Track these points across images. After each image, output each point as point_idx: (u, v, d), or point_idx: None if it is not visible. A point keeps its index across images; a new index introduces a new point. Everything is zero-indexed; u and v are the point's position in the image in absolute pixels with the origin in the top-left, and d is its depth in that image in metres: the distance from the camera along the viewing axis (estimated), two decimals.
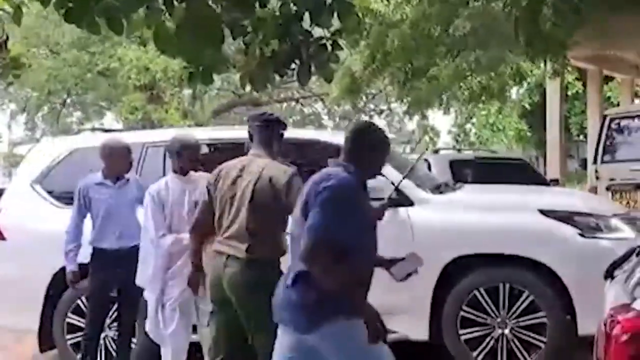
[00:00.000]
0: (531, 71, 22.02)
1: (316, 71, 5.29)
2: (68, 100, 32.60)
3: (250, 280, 5.04)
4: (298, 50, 5.06)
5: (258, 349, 5.12)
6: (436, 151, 15.87)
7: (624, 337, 2.98)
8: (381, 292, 6.80)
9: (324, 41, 5.23)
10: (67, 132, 28.44)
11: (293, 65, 5.25)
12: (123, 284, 6.77)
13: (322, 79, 5.88)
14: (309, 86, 32.40)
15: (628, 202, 11.62)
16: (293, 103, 37.43)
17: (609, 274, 4.32)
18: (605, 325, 3.19)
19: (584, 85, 23.71)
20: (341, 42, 5.44)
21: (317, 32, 5.26)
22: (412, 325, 7.00)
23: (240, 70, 5.25)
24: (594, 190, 12.30)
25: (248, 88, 6.01)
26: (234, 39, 4.97)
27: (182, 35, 3.57)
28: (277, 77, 5.65)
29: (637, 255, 4.05)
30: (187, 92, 28.28)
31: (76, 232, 6.86)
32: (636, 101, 23.15)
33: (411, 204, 7.04)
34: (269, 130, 5.44)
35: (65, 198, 7.75)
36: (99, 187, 6.83)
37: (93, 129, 11.00)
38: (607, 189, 12.11)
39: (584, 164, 17.24)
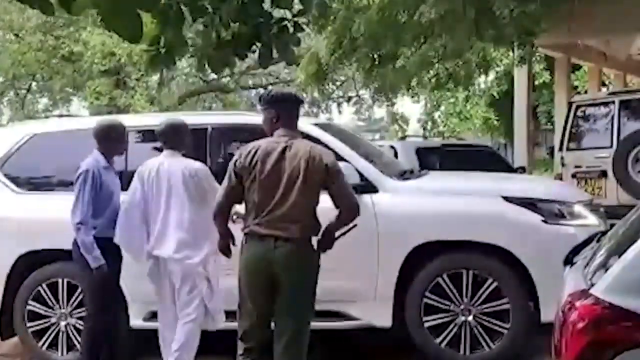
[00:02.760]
0: (500, 60, 22.10)
1: (277, 54, 5.20)
2: (34, 86, 32.22)
3: (304, 260, 5.23)
4: (258, 33, 4.97)
5: (288, 330, 5.22)
6: (403, 138, 15.83)
7: (581, 324, 2.95)
8: (344, 278, 6.89)
9: (284, 23, 5.14)
10: (33, 119, 28.09)
11: (254, 48, 5.16)
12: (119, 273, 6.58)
13: (291, 66, 5.83)
14: (276, 72, 32.24)
15: (593, 189, 11.66)
16: (261, 90, 37.18)
17: (569, 261, 4.30)
18: (562, 311, 3.16)
19: (552, 74, 23.75)
20: (307, 27, 5.37)
21: (278, 13, 5.18)
22: (375, 312, 6.97)
23: (198, 52, 5.14)
24: (559, 177, 12.34)
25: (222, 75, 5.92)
26: (193, 20, 4.87)
27: (127, 13, 3.44)
28: (240, 61, 5.57)
29: (597, 241, 4.03)
30: (154, 77, 28.04)
31: (90, 222, 6.29)
32: (603, 90, 23.23)
33: (375, 190, 6.99)
34: (296, 110, 5.49)
35: (25, 184, 7.72)
36: (106, 171, 6.44)
37: (60, 116, 10.89)
38: (573, 176, 12.14)
39: (552, 151, 17.27)
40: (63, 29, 25.56)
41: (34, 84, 31.70)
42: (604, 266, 3.21)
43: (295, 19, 5.10)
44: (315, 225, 5.30)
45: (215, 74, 7.53)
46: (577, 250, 4.33)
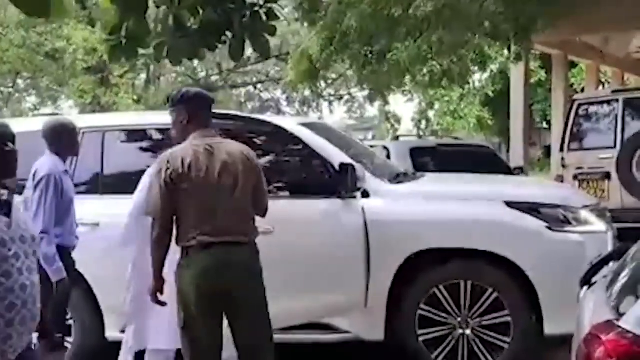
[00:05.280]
0: (495, 58, 21.78)
1: (250, 45, 4.73)
2: (22, 85, 31.91)
3: (257, 263, 5.00)
4: (229, 20, 4.48)
5: (254, 347, 4.99)
6: (396, 138, 15.44)
7: None
8: (333, 289, 6.47)
9: (256, 9, 4.64)
10: (20, 117, 27.74)
11: (224, 39, 4.70)
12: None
13: (283, 63, 5.41)
14: (266, 70, 31.94)
15: (595, 192, 11.40)
16: (251, 88, 36.95)
17: (586, 281, 3.81)
18: (585, 344, 2.69)
19: (547, 72, 23.52)
20: (297, 21, 4.94)
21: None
22: (367, 325, 6.60)
23: (156, 40, 4.66)
24: (560, 179, 12.01)
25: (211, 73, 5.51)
26: (157, 7, 4.40)
27: None
28: (217, 56, 5.13)
29: (616, 259, 3.57)
30: (142, 75, 27.77)
31: (52, 231, 5.77)
32: (600, 88, 22.98)
33: (366, 195, 6.55)
34: (209, 109, 5.13)
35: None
36: (65, 176, 5.93)
37: (50, 115, 10.58)
38: (574, 177, 11.87)
39: (546, 151, 17.05)
40: (46, 25, 25.13)
41: (20, 81, 31.36)
42: (635, 293, 2.75)
43: (268, 4, 4.59)
44: (256, 228, 5.08)
45: (174, 65, 7.24)
46: (595, 269, 3.84)
